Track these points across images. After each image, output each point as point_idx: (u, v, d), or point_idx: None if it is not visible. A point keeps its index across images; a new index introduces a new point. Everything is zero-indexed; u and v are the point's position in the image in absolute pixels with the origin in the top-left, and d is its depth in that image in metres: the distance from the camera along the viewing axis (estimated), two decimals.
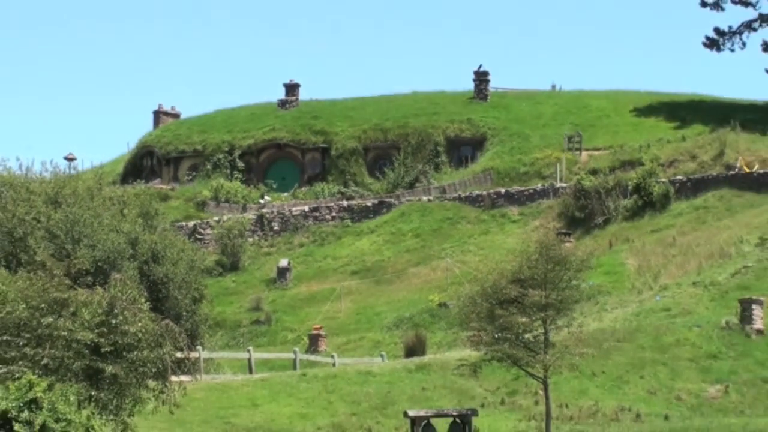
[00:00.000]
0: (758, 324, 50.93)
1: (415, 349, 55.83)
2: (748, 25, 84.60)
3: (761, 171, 71.80)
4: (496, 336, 39.32)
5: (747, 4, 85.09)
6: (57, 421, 22.75)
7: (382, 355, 56.03)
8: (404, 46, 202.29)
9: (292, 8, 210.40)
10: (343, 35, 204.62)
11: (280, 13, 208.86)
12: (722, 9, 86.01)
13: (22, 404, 23.38)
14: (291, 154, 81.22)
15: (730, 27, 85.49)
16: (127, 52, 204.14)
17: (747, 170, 71.80)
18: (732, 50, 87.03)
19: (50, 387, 23.98)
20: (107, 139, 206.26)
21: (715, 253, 63.60)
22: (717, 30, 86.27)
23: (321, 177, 78.95)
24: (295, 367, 52.20)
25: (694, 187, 71.29)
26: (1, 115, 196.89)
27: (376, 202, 75.82)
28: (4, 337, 27.66)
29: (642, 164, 72.73)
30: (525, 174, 76.57)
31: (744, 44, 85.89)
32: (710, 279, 59.26)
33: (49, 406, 23.45)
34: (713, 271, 60.62)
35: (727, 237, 65.22)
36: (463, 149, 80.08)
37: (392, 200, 75.56)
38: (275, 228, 74.56)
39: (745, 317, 50.97)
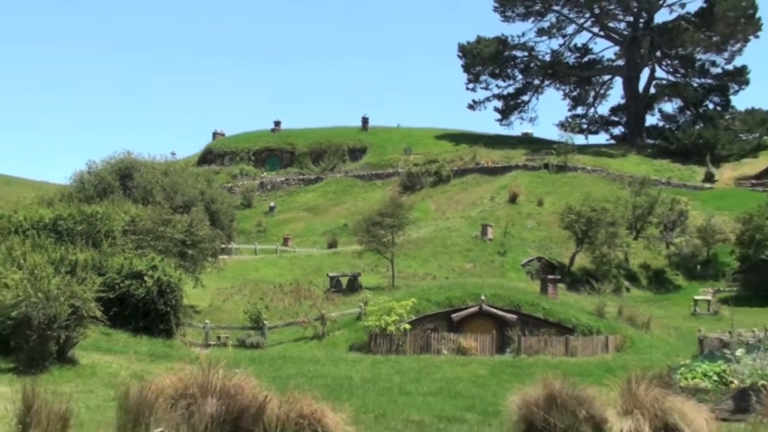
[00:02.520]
0: (489, 235, 71.12)
1: (332, 244, 74.38)
2: (488, 99, 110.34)
3: (492, 165, 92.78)
4: (370, 239, 59.03)
5: (487, 88, 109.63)
6: (165, 275, 36.86)
7: (317, 248, 73.05)
8: (327, 94, 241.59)
9: (282, 62, 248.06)
10: (311, 87, 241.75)
11: (270, 65, 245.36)
12: (482, 105, 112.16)
13: (147, 267, 36.66)
14: (276, 154, 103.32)
15: (476, 100, 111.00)
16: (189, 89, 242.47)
17: (486, 165, 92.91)
18: (481, 110, 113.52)
19: (162, 260, 38.02)
20: (191, 143, 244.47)
21: (471, 203, 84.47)
22: (472, 102, 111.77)
23: (290, 165, 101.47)
24: (276, 252, 69.11)
25: (461, 173, 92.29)
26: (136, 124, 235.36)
27: (315, 177, 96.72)
28: (140, 236, 44.56)
29: (437, 161, 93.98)
30: (384, 165, 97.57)
31: (485, 107, 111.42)
32: (468, 214, 79.35)
33: (161, 268, 37.23)
34: (469, 211, 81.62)
35: (476, 196, 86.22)
36: (356, 153, 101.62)
37: (323, 176, 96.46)
38: (268, 188, 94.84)
39: (484, 232, 71.34)
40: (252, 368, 23.50)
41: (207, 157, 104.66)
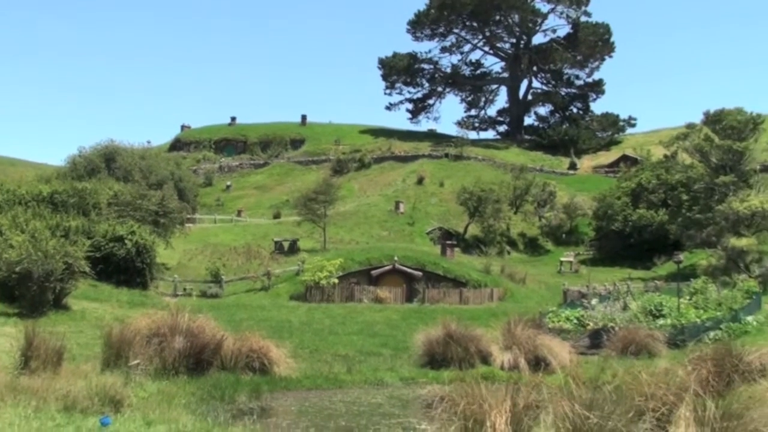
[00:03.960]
0: (401, 210, 71.21)
1: (277, 216, 72.99)
2: (401, 102, 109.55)
3: (404, 154, 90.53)
4: (307, 212, 59.03)
5: (401, 93, 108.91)
6: (141, 239, 38.43)
7: (264, 218, 72.15)
8: (274, 95, 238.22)
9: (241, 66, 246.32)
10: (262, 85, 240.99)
11: (229, 70, 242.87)
12: (397, 107, 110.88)
13: (127, 232, 38.24)
14: (232, 143, 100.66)
15: (392, 103, 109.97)
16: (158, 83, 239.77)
17: (399, 154, 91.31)
18: (395, 111, 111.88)
19: (139, 227, 39.88)
20: (163, 134, 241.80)
21: (387, 184, 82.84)
22: (388, 104, 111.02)
23: (243, 152, 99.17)
24: (232, 222, 69.36)
25: (380, 160, 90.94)
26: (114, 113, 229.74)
27: (263, 162, 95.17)
28: (122, 208, 45.57)
29: (361, 151, 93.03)
30: (319, 154, 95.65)
31: (399, 108, 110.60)
32: (384, 193, 78.63)
33: (138, 233, 38.60)
34: (385, 190, 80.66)
35: (391, 179, 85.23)
36: (296, 143, 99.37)
37: (270, 162, 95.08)
38: (225, 170, 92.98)
39: (397, 207, 71.51)
40: (212, 313, 23.60)
41: (176, 145, 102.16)
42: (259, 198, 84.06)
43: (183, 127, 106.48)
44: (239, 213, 73.92)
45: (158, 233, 45.33)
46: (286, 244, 57.13)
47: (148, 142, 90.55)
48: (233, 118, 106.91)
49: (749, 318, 32.11)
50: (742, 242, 46.14)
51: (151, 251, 39.56)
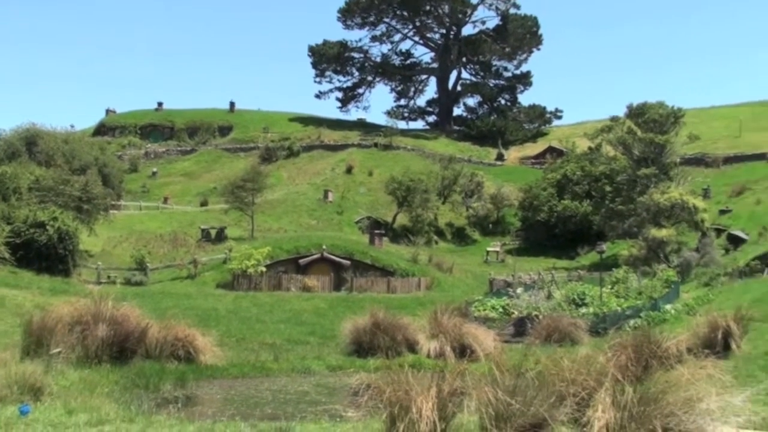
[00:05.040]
0: (330, 198, 71.59)
1: (204, 203, 72.36)
2: (331, 90, 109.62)
3: (333, 143, 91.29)
4: (234, 200, 59.29)
5: (331, 81, 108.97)
6: (64, 225, 37.85)
7: (191, 206, 71.62)
8: (202, 81, 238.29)
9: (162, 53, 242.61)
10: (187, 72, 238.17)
11: (155, 53, 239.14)
12: (326, 95, 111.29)
13: (49, 218, 37.43)
14: (159, 129, 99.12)
15: (322, 91, 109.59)
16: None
17: (328, 142, 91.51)
18: (325, 99, 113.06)
19: (62, 212, 39.25)
20: (87, 118, 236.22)
21: (316, 173, 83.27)
22: (318, 92, 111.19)
23: (170, 138, 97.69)
24: (158, 209, 68.80)
25: (309, 148, 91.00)
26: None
27: (190, 149, 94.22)
28: (43, 193, 44.97)
29: (290, 139, 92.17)
30: (247, 141, 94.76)
31: (329, 97, 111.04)
32: (313, 181, 79.18)
33: (61, 219, 38.09)
34: (314, 179, 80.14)
35: (320, 167, 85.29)
36: (224, 130, 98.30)
37: (197, 148, 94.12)
38: (152, 157, 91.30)
39: (326, 196, 72.25)
40: (136, 301, 23.33)
41: (101, 129, 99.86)
42: (186, 185, 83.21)
43: (108, 111, 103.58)
44: (165, 200, 73.18)
45: (81, 219, 44.68)
46: (213, 232, 56.84)
47: (72, 126, 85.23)
48: (160, 104, 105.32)
49: (668, 306, 33.19)
50: (662, 233, 47.66)
51: (74, 238, 39.01)
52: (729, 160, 75.63)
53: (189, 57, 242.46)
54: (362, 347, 23.81)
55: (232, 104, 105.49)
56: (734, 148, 78.64)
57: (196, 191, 79.25)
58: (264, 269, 44.29)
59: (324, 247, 47.80)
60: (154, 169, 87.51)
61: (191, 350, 20.50)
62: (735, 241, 52.57)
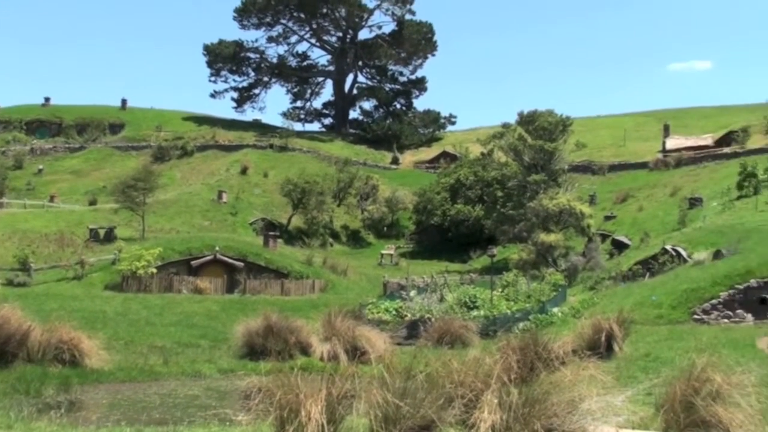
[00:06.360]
0: (224, 199, 68.93)
1: (93, 202, 69.90)
2: (226, 90, 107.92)
3: (228, 143, 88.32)
4: (125, 199, 57.60)
5: (226, 81, 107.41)
6: None
7: (79, 205, 68.64)
8: (92, 76, 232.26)
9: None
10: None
11: (42, 46, 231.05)
12: (222, 95, 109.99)
13: None
14: (46, 125, 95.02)
15: (217, 91, 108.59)
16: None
17: (223, 143, 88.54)
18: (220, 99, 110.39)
19: None
20: None
21: (210, 173, 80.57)
22: (213, 92, 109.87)
23: (57, 135, 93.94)
24: (44, 207, 65.89)
25: (203, 148, 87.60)
26: None
27: (79, 146, 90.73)
28: None
29: (183, 138, 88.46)
30: (139, 139, 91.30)
31: (224, 96, 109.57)
32: (207, 182, 76.99)
33: None
34: (208, 179, 78.03)
35: (214, 168, 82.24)
36: (115, 128, 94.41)
37: (87, 146, 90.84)
38: (38, 153, 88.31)
39: (220, 196, 69.53)
40: (19, 303, 22.49)
41: None
42: (74, 183, 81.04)
43: None
44: (52, 198, 71.09)
45: None
46: (102, 232, 55.86)
47: None
48: (47, 99, 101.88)
49: (555, 309, 34.10)
50: (551, 238, 48.93)
51: None
52: (614, 167, 77.42)
53: (79, 51, 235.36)
54: (255, 350, 23.63)
55: (124, 101, 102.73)
56: (619, 156, 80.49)
57: (85, 190, 77.28)
58: (155, 270, 43.69)
59: (217, 248, 47.41)
60: (40, 167, 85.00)
61: (76, 354, 19.95)
62: (619, 246, 54.08)
